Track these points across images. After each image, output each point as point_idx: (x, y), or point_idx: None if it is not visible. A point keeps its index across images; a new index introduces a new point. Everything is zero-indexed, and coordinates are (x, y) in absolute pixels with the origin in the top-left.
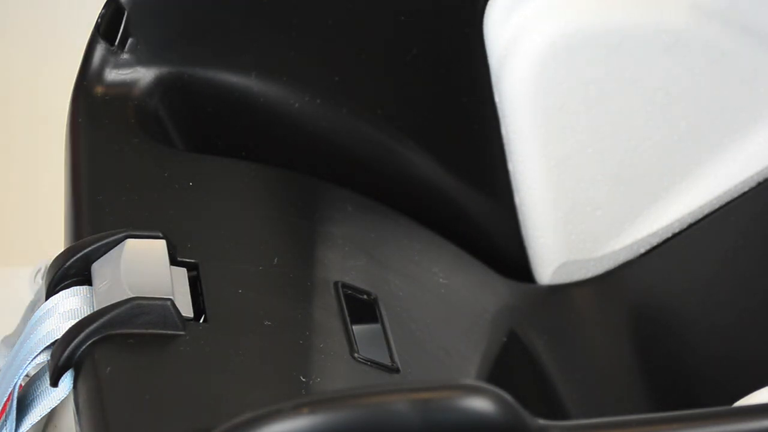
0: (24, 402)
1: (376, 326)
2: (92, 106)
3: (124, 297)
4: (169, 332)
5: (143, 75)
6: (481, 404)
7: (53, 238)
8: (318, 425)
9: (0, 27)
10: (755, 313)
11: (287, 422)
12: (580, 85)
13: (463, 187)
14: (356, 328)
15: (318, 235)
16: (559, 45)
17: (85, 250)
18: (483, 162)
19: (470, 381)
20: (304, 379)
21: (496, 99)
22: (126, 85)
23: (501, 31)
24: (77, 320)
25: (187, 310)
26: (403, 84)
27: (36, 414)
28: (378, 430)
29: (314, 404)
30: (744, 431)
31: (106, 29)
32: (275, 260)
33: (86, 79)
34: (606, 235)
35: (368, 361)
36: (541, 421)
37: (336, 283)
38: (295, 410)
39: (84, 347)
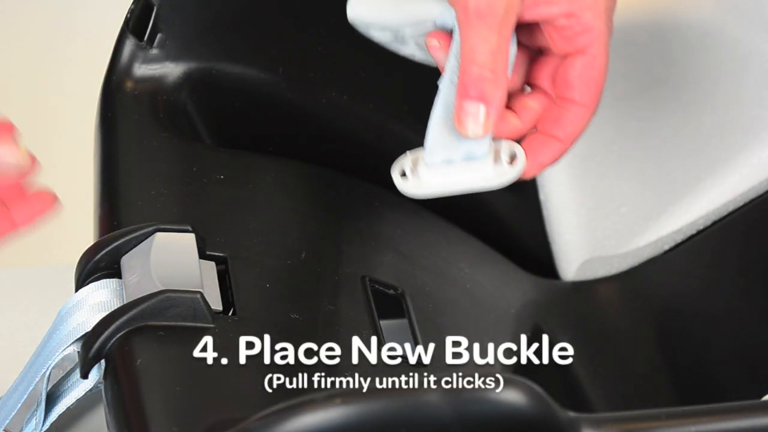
0: (54, 394)
1: (403, 321)
2: (121, 101)
3: (154, 290)
4: (199, 325)
5: (172, 70)
6: (513, 396)
7: (87, 234)
8: (351, 416)
9: (24, 24)
10: None
11: (320, 412)
12: (606, 82)
13: None
14: (383, 323)
15: (345, 230)
16: None
17: (115, 244)
18: None
19: (502, 373)
20: (332, 372)
21: None
22: (155, 80)
23: None
24: (107, 313)
25: (216, 303)
26: (430, 81)
27: (64, 404)
28: (410, 421)
29: (347, 395)
30: None
31: (135, 25)
32: (303, 255)
33: (115, 74)
34: (630, 232)
35: (396, 354)
36: (572, 414)
37: (363, 278)
38: (328, 400)
39: (114, 339)
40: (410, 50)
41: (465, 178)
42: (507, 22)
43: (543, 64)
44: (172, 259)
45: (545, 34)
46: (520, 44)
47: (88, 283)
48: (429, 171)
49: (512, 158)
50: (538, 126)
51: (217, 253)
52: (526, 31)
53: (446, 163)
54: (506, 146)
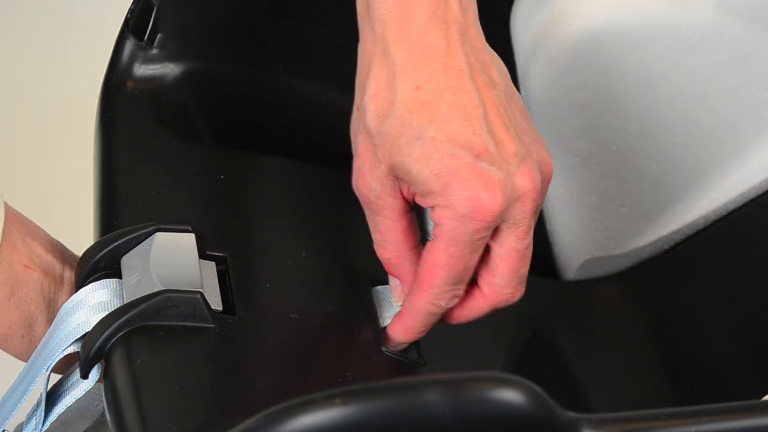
0: (54, 394)
1: None
2: (122, 101)
3: (154, 290)
4: (199, 325)
5: (172, 70)
6: (512, 396)
7: (87, 234)
8: (351, 415)
9: (23, 26)
10: None
11: (320, 412)
12: (606, 81)
13: None
14: None
15: (345, 230)
16: (585, 42)
17: (115, 244)
18: None
19: (501, 373)
20: (333, 372)
21: (522, 95)
22: (155, 80)
23: (527, 27)
24: (107, 312)
25: (216, 303)
26: None
27: (64, 404)
28: (410, 420)
29: (347, 395)
30: None
31: (135, 25)
32: (303, 255)
33: (116, 74)
34: (630, 232)
35: (396, 354)
36: (572, 414)
37: (364, 278)
38: (328, 400)
39: (114, 339)
40: None
41: None
42: (383, 207)
43: None
44: (172, 259)
45: None
46: None
47: (88, 283)
48: None
49: None
50: None
51: (217, 253)
52: None
53: None
54: None
